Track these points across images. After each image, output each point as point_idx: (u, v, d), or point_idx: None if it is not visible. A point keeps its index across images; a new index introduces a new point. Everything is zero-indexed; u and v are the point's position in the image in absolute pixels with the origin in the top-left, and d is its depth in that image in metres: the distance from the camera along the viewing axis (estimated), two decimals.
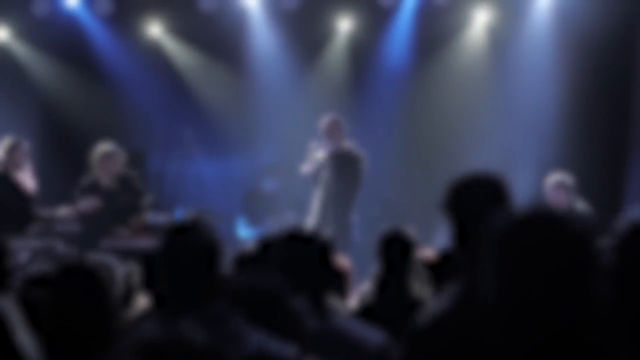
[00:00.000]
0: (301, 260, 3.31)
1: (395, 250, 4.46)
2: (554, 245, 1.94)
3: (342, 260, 4.70)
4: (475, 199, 2.67)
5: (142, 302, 3.78)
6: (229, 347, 2.79)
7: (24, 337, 2.72)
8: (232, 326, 2.89)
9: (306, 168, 8.74)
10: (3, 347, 2.58)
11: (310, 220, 8.62)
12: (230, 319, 2.90)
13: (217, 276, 2.97)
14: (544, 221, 1.97)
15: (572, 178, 8.14)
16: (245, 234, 9.90)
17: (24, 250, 7.66)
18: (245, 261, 3.73)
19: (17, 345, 2.60)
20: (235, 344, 2.82)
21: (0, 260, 3.48)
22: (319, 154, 8.65)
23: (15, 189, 8.34)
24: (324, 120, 8.63)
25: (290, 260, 3.34)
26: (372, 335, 3.13)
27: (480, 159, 9.88)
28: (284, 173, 10.09)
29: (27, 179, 8.48)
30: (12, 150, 8.38)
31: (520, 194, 9.73)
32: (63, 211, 8.34)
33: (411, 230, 4.68)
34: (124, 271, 3.61)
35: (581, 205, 8.10)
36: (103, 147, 8.53)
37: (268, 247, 3.58)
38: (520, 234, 1.96)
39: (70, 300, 2.90)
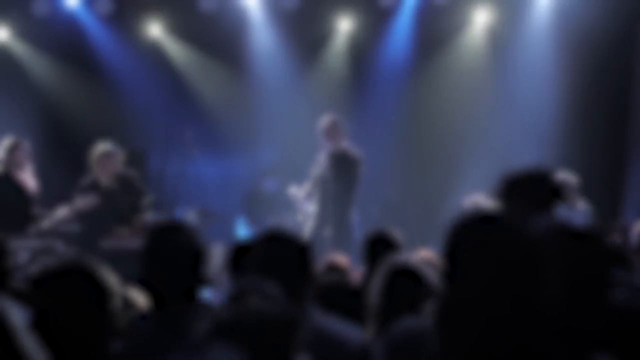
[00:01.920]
0: (280, 261, 3.31)
1: (380, 251, 4.47)
2: (501, 247, 1.94)
3: (341, 259, 4.71)
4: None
5: (140, 301, 3.78)
6: None
7: (26, 338, 2.72)
8: None
9: (297, 192, 8.87)
10: (5, 349, 2.59)
11: (309, 221, 8.62)
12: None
13: (202, 277, 3.02)
14: (492, 224, 1.97)
15: (575, 177, 8.15)
16: (245, 234, 9.90)
17: (24, 250, 7.67)
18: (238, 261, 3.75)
19: (19, 346, 2.60)
20: None
21: (0, 260, 3.49)
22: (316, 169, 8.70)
23: (16, 189, 8.35)
24: (323, 120, 8.64)
25: (269, 261, 3.34)
26: (353, 335, 3.13)
27: (480, 158, 9.88)
28: (284, 174, 10.10)
29: (27, 179, 8.49)
30: (13, 150, 8.39)
31: None
32: (62, 211, 8.34)
33: (396, 233, 4.70)
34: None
35: (582, 205, 8.10)
36: (102, 147, 8.54)
37: (246, 249, 3.59)
38: (469, 236, 1.97)
39: (68, 301, 2.90)
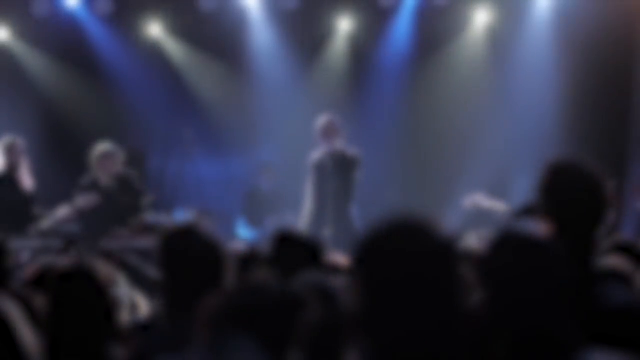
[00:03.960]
0: (292, 261, 3.32)
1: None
2: (415, 255, 1.90)
3: (340, 258, 4.70)
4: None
5: (143, 305, 3.78)
6: None
7: (27, 337, 2.73)
8: None
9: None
10: (6, 348, 2.59)
11: (307, 221, 8.62)
12: None
13: (219, 278, 2.99)
14: (406, 231, 1.94)
15: None
16: (244, 234, 9.89)
17: (24, 250, 7.67)
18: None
19: (20, 345, 2.60)
20: None
21: (0, 260, 3.49)
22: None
23: (16, 189, 8.36)
24: (320, 121, 8.64)
25: (282, 261, 3.35)
26: None
27: (480, 159, 9.88)
28: (276, 172, 10.08)
29: (24, 178, 8.51)
30: (10, 150, 8.42)
31: (521, 194, 9.73)
32: (62, 211, 8.34)
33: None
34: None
35: None
36: (102, 147, 8.55)
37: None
38: (382, 244, 1.93)
39: (69, 302, 2.90)
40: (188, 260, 3.04)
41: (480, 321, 2.06)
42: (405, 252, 1.90)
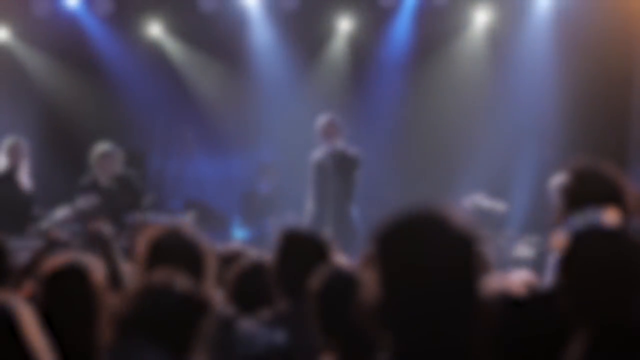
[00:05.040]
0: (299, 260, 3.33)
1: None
2: (435, 246, 1.90)
3: (341, 259, 4.70)
4: None
5: None
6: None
7: (36, 337, 2.72)
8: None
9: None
10: (13, 347, 2.59)
11: (308, 221, 8.62)
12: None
13: (202, 278, 3.01)
14: (426, 222, 1.93)
15: None
16: (240, 234, 9.87)
17: (24, 250, 7.66)
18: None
19: (28, 345, 2.60)
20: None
21: (0, 260, 3.49)
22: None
23: (16, 189, 8.36)
24: (321, 120, 8.65)
25: (287, 260, 3.36)
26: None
27: (480, 159, 9.88)
28: (276, 173, 10.06)
29: (24, 178, 8.52)
30: (12, 150, 8.43)
31: (521, 194, 9.74)
32: (62, 211, 8.35)
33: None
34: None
35: None
36: (102, 147, 8.57)
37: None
38: (400, 235, 1.93)
39: (61, 301, 2.91)
40: (170, 259, 3.05)
41: (550, 309, 2.08)
42: (425, 241, 1.91)
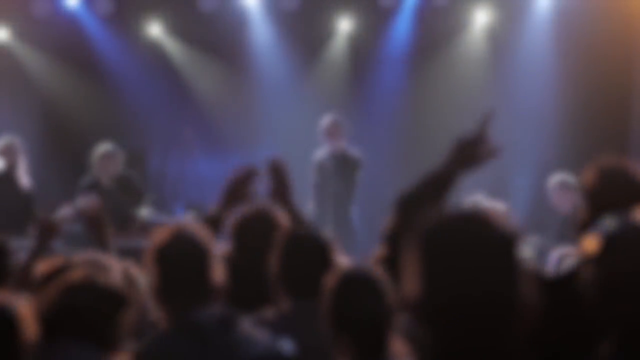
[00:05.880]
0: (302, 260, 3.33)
1: None
2: (477, 245, 1.93)
3: (341, 259, 4.70)
4: None
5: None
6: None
7: (35, 335, 2.72)
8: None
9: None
10: (15, 348, 2.59)
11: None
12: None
13: (209, 278, 3.01)
14: (469, 221, 1.96)
15: (574, 178, 8.15)
16: None
17: (24, 250, 7.65)
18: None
19: (25, 343, 2.61)
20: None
21: (1, 260, 3.49)
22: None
23: (16, 189, 8.37)
24: (325, 120, 8.65)
25: (291, 259, 3.36)
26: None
27: None
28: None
29: (22, 177, 8.52)
30: (8, 150, 8.44)
31: (521, 194, 9.74)
32: (63, 211, 8.34)
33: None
34: (120, 269, 3.63)
35: None
36: (102, 147, 8.58)
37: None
38: (444, 233, 1.95)
39: (67, 301, 2.90)
40: (175, 260, 3.07)
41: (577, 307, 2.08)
42: (469, 240, 1.93)
